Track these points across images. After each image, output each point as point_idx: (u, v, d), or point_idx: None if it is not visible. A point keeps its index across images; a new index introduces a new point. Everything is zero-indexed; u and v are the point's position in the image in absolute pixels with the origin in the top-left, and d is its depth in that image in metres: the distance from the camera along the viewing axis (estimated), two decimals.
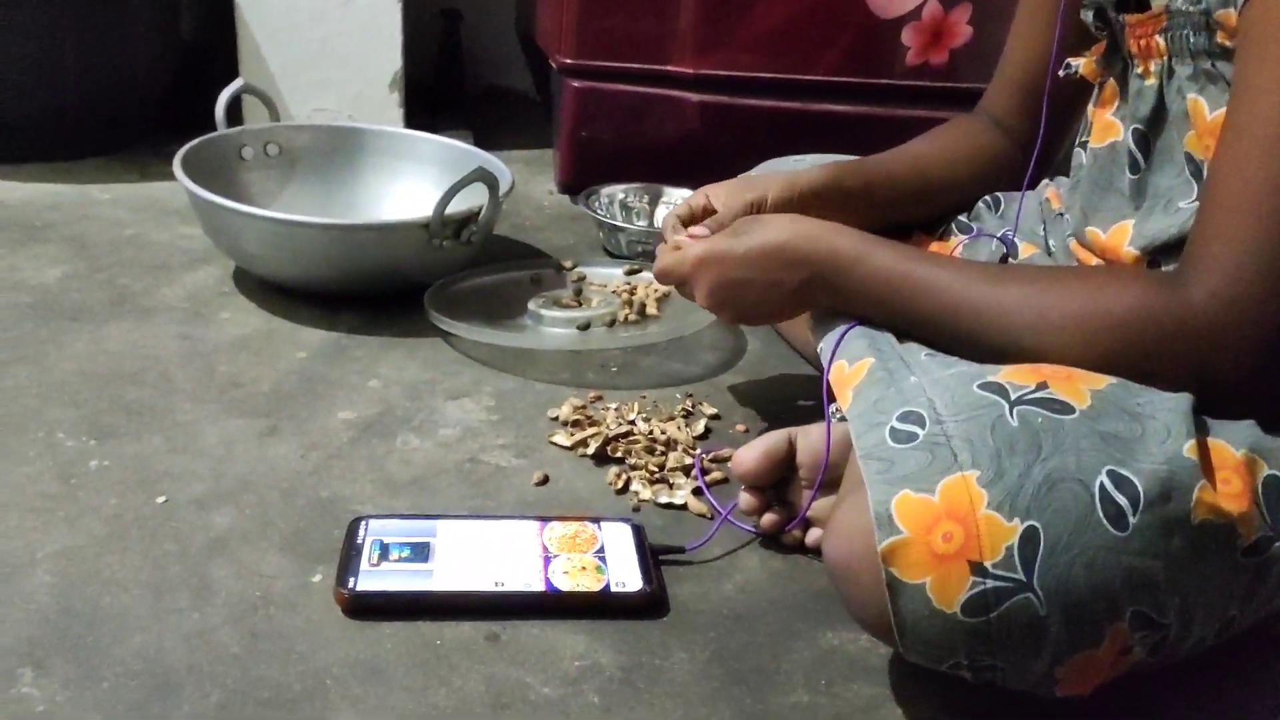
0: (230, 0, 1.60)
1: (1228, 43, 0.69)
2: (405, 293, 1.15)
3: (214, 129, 1.30)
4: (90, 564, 0.76)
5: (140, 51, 1.59)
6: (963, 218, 1.02)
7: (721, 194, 0.95)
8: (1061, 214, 0.94)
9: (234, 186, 1.26)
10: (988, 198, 1.02)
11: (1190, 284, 0.64)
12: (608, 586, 0.75)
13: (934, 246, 1.02)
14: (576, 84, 1.49)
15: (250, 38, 1.62)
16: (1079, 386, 0.63)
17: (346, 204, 1.34)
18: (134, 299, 1.17)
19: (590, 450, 0.93)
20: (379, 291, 1.17)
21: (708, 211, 0.95)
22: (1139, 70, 0.79)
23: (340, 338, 1.12)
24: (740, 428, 1.01)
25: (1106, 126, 0.84)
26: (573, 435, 0.95)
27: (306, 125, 1.43)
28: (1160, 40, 0.76)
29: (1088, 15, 0.84)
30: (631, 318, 1.14)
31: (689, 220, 0.95)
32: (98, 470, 0.87)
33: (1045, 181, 0.99)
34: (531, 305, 1.14)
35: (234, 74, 1.57)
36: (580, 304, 1.17)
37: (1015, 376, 0.64)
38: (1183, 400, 0.62)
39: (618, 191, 1.45)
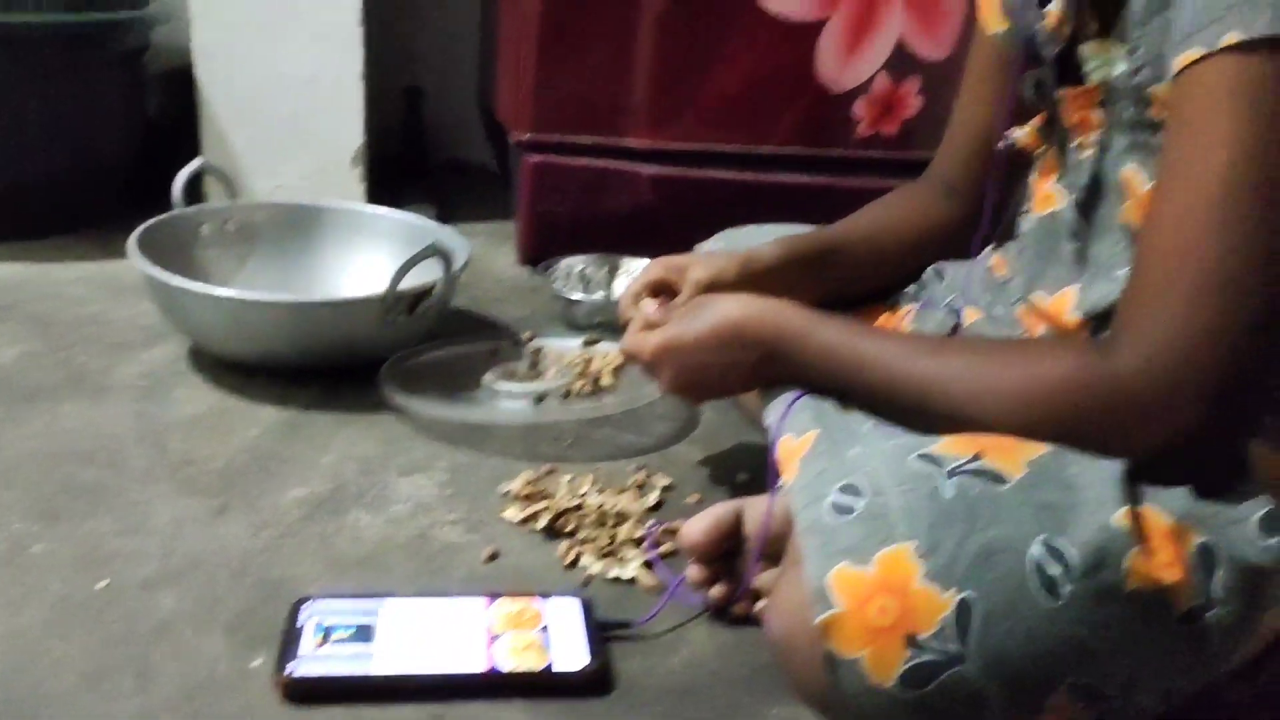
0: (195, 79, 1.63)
1: (1161, 116, 0.71)
2: (361, 367, 1.15)
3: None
4: (32, 649, 0.75)
5: (106, 130, 1.60)
6: (911, 288, 1.04)
7: (677, 266, 0.96)
8: (1007, 281, 0.95)
9: (192, 265, 1.26)
10: (935, 266, 1.03)
11: (1119, 352, 0.65)
12: (550, 666, 0.74)
13: (885, 316, 1.03)
14: (534, 158, 1.52)
15: (212, 116, 1.64)
16: (1016, 456, 0.64)
17: (305, 280, 1.35)
18: (91, 378, 1.17)
19: (540, 525, 0.93)
20: (335, 367, 1.17)
21: (665, 283, 0.97)
22: (1076, 142, 0.81)
23: (295, 414, 1.11)
24: (694, 498, 1.01)
25: (1047, 196, 0.86)
26: (523, 510, 0.94)
27: (265, 203, 1.44)
28: (1096, 113, 0.78)
29: (1027, 88, 0.86)
30: (586, 389, 1.14)
31: (647, 295, 0.97)
32: (44, 553, 0.86)
33: (990, 248, 1.01)
34: (487, 378, 1.15)
35: (199, 152, 1.59)
36: (536, 376, 1.17)
37: (952, 447, 0.65)
38: (1115, 468, 0.63)
39: (576, 263, 1.46)
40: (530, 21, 1.46)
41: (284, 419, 1.10)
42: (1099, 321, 0.78)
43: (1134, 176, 0.75)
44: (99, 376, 1.17)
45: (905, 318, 1.01)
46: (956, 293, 0.99)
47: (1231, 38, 0.59)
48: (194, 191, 1.33)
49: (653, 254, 1.00)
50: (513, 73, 1.56)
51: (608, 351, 1.20)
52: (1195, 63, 0.61)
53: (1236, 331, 0.60)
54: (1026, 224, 0.89)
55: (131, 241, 1.19)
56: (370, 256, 1.34)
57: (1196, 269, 0.62)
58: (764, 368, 0.80)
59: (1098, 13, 0.77)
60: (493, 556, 0.89)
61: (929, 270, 1.03)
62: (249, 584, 0.84)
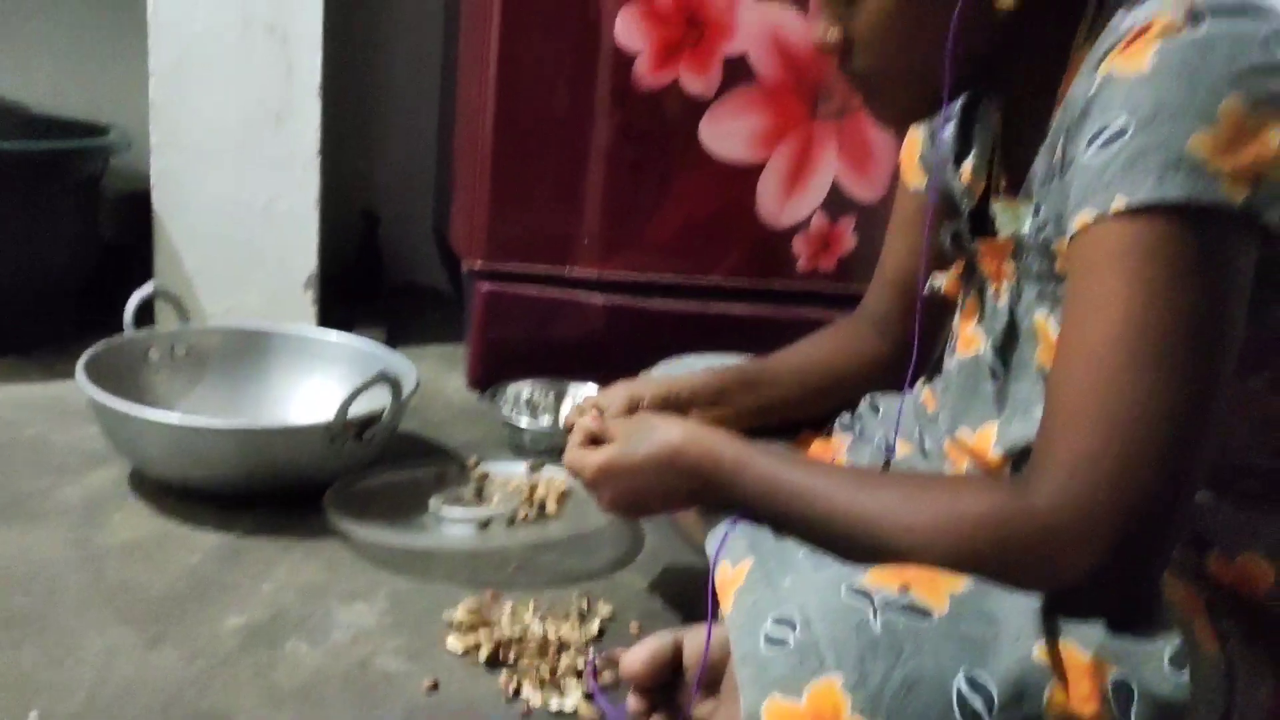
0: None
1: (1064, 270, 0.76)
2: (307, 492, 1.15)
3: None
4: None
5: (59, 254, 1.62)
6: (846, 417, 1.07)
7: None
8: (935, 416, 0.99)
9: (140, 388, 1.27)
10: (869, 399, 1.07)
11: (1033, 491, 0.68)
12: None
13: (819, 443, 1.06)
14: (486, 287, 1.55)
15: (167, 240, 1.66)
16: (940, 589, 0.66)
17: (254, 404, 1.36)
18: (28, 502, 1.16)
19: (482, 655, 0.93)
20: (280, 492, 1.17)
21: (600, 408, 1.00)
22: (993, 289, 0.86)
23: (236, 540, 1.11)
24: (634, 627, 1.01)
25: (969, 339, 0.90)
26: (465, 639, 0.94)
27: (215, 327, 1.45)
28: (1009, 264, 0.83)
29: (945, 239, 0.92)
30: (531, 515, 1.15)
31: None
32: None
33: (921, 382, 1.05)
34: (432, 504, 1.15)
35: (153, 275, 1.60)
36: (481, 501, 1.18)
37: (880, 580, 0.67)
38: (1032, 602, 0.65)
39: (523, 388, 1.49)
40: (483, 155, 1.52)
41: (225, 545, 1.10)
42: (1019, 458, 0.82)
43: (1045, 323, 0.79)
44: (36, 501, 1.16)
45: (840, 446, 1.04)
46: (890, 426, 1.03)
47: (1119, 203, 0.64)
48: (146, 315, 1.34)
49: (602, 380, 1.03)
50: (466, 203, 1.61)
51: (553, 477, 1.21)
52: (1089, 225, 0.67)
53: (1140, 471, 0.64)
54: (951, 363, 0.94)
55: (79, 365, 1.19)
56: (319, 381, 1.36)
57: (1098, 414, 0.66)
58: (701, 493, 0.82)
59: (1007, 172, 0.83)
60: (433, 687, 0.89)
61: (864, 403, 1.07)
62: (179, 716, 0.83)
